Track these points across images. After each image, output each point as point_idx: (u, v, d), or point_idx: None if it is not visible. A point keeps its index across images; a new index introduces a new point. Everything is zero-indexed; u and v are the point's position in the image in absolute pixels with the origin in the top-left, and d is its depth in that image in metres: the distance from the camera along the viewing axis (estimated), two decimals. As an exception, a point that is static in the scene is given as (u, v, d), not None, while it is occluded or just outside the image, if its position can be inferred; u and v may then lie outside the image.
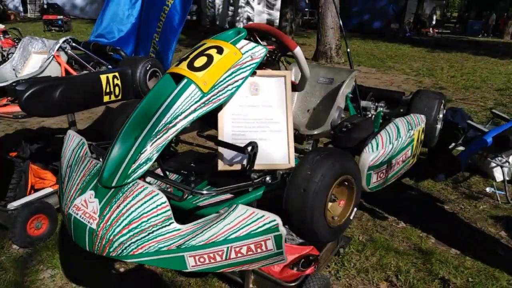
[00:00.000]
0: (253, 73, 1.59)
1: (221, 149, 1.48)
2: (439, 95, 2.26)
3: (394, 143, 1.71)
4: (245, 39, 1.74)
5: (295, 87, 1.85)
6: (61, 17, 14.38)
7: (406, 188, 3.61)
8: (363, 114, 2.27)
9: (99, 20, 3.25)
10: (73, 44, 2.94)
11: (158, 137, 1.23)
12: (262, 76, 1.58)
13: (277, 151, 1.49)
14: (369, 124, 1.89)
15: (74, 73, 2.84)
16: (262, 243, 1.10)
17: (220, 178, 1.52)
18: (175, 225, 1.13)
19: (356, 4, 19.89)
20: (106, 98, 2.49)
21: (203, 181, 1.56)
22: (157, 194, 1.14)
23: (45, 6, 18.34)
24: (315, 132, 2.00)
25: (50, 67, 2.79)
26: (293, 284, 1.91)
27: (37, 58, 2.93)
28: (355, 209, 1.47)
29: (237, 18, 18.78)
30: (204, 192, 1.27)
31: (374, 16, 19.80)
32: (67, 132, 1.56)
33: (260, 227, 1.09)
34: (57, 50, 2.82)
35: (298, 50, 1.69)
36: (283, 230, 1.09)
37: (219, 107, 1.50)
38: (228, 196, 1.46)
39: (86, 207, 1.16)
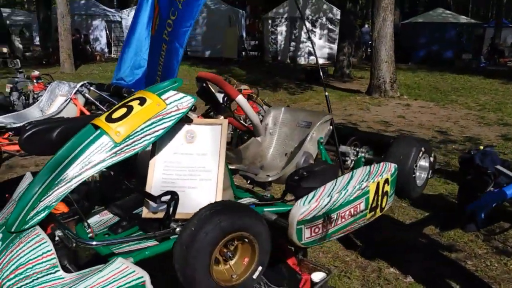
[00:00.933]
0: (190, 121, 1.61)
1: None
2: (419, 143, 2.05)
3: (334, 195, 1.58)
4: (203, 87, 1.77)
5: (253, 133, 1.82)
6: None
7: (426, 236, 3.25)
8: (342, 160, 2.14)
9: (118, 65, 3.55)
10: (91, 88, 3.22)
11: (60, 185, 1.29)
12: (199, 124, 1.59)
13: (204, 200, 1.46)
14: (328, 173, 1.77)
15: (88, 113, 3.10)
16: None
17: (151, 224, 1.52)
18: (60, 273, 1.16)
19: (424, 35, 19.12)
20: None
21: (134, 227, 1.57)
22: (45, 242, 1.18)
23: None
24: (269, 179, 1.92)
25: (67, 108, 3.06)
26: None
27: (61, 100, 3.25)
28: (260, 268, 1.36)
29: (298, 53, 19.11)
30: (93, 243, 1.29)
31: (443, 46, 18.81)
32: (26, 174, 1.70)
33: (128, 282, 1.07)
34: (75, 93, 3.12)
35: (239, 98, 1.68)
36: (148, 282, 1.06)
37: (152, 154, 1.53)
38: (148, 244, 1.46)
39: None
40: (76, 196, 1.60)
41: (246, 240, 1.32)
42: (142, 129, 1.40)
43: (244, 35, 24.75)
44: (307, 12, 18.73)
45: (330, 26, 18.79)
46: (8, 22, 20.46)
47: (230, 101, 1.85)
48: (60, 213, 1.56)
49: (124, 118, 1.40)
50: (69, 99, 3.09)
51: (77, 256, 1.33)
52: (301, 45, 19.03)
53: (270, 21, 19.52)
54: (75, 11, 23.09)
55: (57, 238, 1.33)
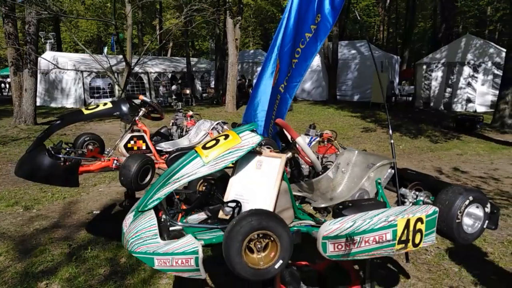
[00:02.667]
0: (261, 153, 2.20)
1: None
2: (467, 191, 2.12)
3: (357, 221, 1.88)
4: (279, 130, 2.36)
5: (314, 169, 2.29)
6: (286, 100, 17.48)
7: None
8: (401, 202, 2.36)
9: (246, 108, 4.41)
10: (224, 126, 4.15)
11: (167, 187, 2.01)
12: (266, 156, 2.17)
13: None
14: (371, 207, 2.07)
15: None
16: (188, 259, 1.70)
17: (225, 223, 2.12)
18: (158, 239, 1.86)
19: None
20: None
21: (215, 223, 2.18)
22: (153, 219, 1.91)
23: (281, 91, 22.52)
24: (321, 205, 2.30)
25: (205, 140, 4.04)
26: None
27: (203, 133, 4.29)
28: (281, 261, 1.78)
29: (455, 100, 17.70)
30: (179, 224, 1.96)
31: None
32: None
33: (188, 246, 1.71)
34: (211, 129, 4.09)
35: (298, 140, 2.18)
36: (201, 254, 1.66)
37: (232, 174, 2.18)
38: (217, 234, 2.05)
39: (126, 220, 2.05)
40: (182, 198, 2.37)
41: (272, 239, 1.80)
42: (223, 155, 2.05)
43: (397, 80, 24.27)
44: (469, 56, 17.36)
45: (496, 72, 16.91)
46: (193, 69, 25.13)
47: (293, 141, 2.35)
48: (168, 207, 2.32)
49: (212, 147, 2.09)
50: (206, 134, 4.08)
51: (171, 232, 2.02)
52: (458, 92, 17.60)
53: (424, 67, 18.76)
54: (244, 59, 26.87)
55: (162, 219, 2.07)
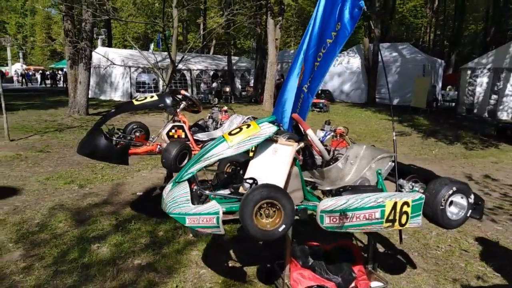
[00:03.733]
0: (276, 141, 2.64)
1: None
2: (452, 182, 2.42)
3: (350, 200, 2.25)
4: (294, 124, 2.78)
5: (322, 157, 2.70)
6: (323, 101, 17.68)
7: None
8: (399, 191, 2.70)
9: (276, 107, 4.82)
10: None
11: (198, 163, 2.48)
12: (280, 144, 2.60)
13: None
14: (365, 191, 2.43)
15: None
16: (211, 218, 2.19)
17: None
18: (189, 203, 2.34)
19: None
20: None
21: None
22: (186, 188, 2.39)
23: (319, 91, 22.63)
24: (327, 188, 2.69)
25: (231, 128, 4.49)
26: None
27: (235, 127, 4.75)
28: (284, 226, 2.19)
29: (500, 107, 17.10)
30: (207, 192, 2.45)
31: None
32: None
33: (209, 210, 2.20)
34: (242, 123, 4.55)
35: (308, 131, 2.58)
36: (221, 214, 2.14)
37: (252, 158, 2.63)
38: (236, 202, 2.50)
39: (166, 189, 2.56)
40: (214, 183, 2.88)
41: (278, 207, 2.22)
42: (245, 140, 2.49)
43: (440, 85, 23.66)
44: (516, 61, 16.73)
45: (546, 79, 16.19)
46: (234, 67, 25.85)
47: (305, 132, 2.74)
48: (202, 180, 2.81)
49: (236, 134, 2.53)
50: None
51: (201, 199, 2.50)
52: (504, 99, 16.98)
53: (469, 72, 18.23)
54: (284, 59, 27.25)
55: (194, 189, 2.54)
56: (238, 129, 2.59)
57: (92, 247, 3.91)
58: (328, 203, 2.30)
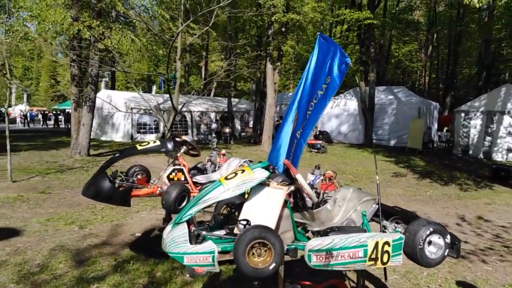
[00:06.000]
0: (269, 185, 2.86)
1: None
2: (429, 224, 2.62)
3: (335, 240, 2.44)
4: (285, 169, 3.02)
5: (311, 199, 2.91)
6: (320, 142, 18.04)
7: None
8: (383, 231, 2.89)
9: (271, 150, 5.08)
10: (250, 164, 4.84)
11: (197, 206, 2.68)
12: (272, 187, 2.83)
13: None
14: (351, 231, 2.62)
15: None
16: (207, 257, 2.37)
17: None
18: (188, 243, 2.53)
19: None
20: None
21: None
22: (185, 229, 2.58)
23: (317, 133, 23.09)
24: (315, 229, 2.87)
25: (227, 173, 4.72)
26: None
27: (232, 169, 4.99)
28: (274, 264, 2.36)
29: (495, 149, 17.45)
30: (203, 233, 2.63)
31: None
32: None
33: (208, 249, 2.37)
34: (239, 166, 4.80)
35: (297, 176, 2.82)
36: (216, 254, 2.32)
37: (246, 200, 2.85)
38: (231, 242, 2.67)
39: (166, 230, 2.75)
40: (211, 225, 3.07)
41: (269, 247, 2.40)
42: (239, 184, 2.72)
43: (436, 127, 24.16)
44: (509, 106, 17.28)
45: (538, 122, 16.64)
46: (234, 109, 26.51)
47: (294, 177, 2.97)
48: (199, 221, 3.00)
49: (232, 178, 2.76)
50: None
51: (198, 240, 2.68)
52: (498, 141, 17.37)
53: (463, 114, 18.77)
54: (283, 101, 27.99)
55: (192, 230, 2.72)
56: (233, 174, 2.83)
57: (91, 287, 4.01)
58: (315, 242, 2.49)
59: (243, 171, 2.84)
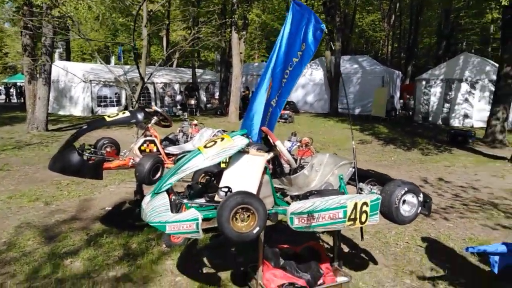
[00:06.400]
0: (248, 152, 2.84)
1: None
2: (404, 184, 2.75)
3: (316, 203, 2.50)
4: (263, 136, 3.01)
5: (290, 165, 2.93)
6: (287, 112, 18.14)
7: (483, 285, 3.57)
8: (359, 193, 2.99)
9: (243, 120, 5.03)
10: (223, 133, 4.78)
11: (176, 175, 2.63)
12: (252, 154, 2.81)
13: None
14: (331, 194, 2.69)
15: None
16: (191, 224, 2.35)
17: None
18: (169, 212, 2.49)
19: None
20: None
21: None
22: (164, 197, 2.53)
23: (284, 103, 23.10)
24: (295, 194, 2.93)
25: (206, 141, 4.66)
26: None
27: (205, 140, 4.92)
28: (258, 228, 2.40)
29: (452, 115, 18.30)
30: (184, 201, 2.60)
31: None
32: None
33: (189, 217, 2.36)
34: (212, 136, 4.73)
35: (277, 143, 2.82)
36: (200, 220, 2.32)
37: (226, 168, 2.82)
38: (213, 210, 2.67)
39: (145, 200, 2.69)
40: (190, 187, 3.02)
41: (252, 212, 2.41)
42: (218, 152, 2.67)
43: (398, 95, 24.90)
44: (466, 73, 18.03)
45: (492, 88, 17.43)
46: (198, 80, 25.96)
47: (274, 144, 2.97)
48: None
49: (211, 147, 2.71)
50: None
51: (178, 209, 2.65)
52: (456, 107, 18.21)
53: (424, 82, 19.42)
54: (249, 72, 27.71)
55: (172, 199, 2.67)
56: (212, 142, 2.78)
57: (64, 262, 3.91)
58: (297, 205, 2.53)
59: (222, 139, 2.79)
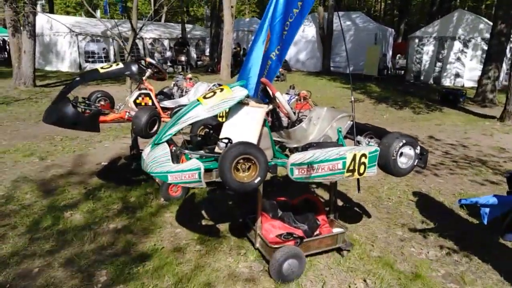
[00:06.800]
0: (248, 104, 2.83)
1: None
2: (402, 136, 2.81)
3: (316, 154, 2.55)
4: (263, 88, 2.97)
5: (289, 118, 2.94)
6: (279, 69, 17.90)
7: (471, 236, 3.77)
8: (357, 145, 3.04)
9: (240, 73, 4.95)
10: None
11: (176, 126, 2.62)
12: (252, 106, 2.80)
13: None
14: (329, 146, 2.73)
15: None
16: (193, 174, 2.39)
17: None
18: (170, 162, 2.51)
19: None
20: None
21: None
22: (165, 148, 2.54)
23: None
24: (294, 145, 2.97)
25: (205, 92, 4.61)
26: (274, 246, 2.94)
27: (200, 93, 4.86)
28: (259, 178, 2.44)
29: (444, 74, 18.29)
30: (185, 151, 2.63)
31: None
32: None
33: (192, 166, 2.38)
34: (207, 90, 4.68)
35: (277, 94, 2.80)
36: (202, 170, 2.35)
37: (226, 119, 2.82)
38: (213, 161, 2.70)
39: (145, 150, 2.70)
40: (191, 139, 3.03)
41: (253, 162, 2.45)
42: (218, 103, 2.65)
43: (390, 53, 24.63)
44: (460, 31, 17.82)
45: (485, 47, 17.34)
46: (188, 36, 25.19)
47: (273, 95, 2.96)
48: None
49: (211, 97, 2.69)
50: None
51: (178, 160, 2.68)
52: (448, 66, 18.16)
53: (416, 40, 19.19)
54: (240, 28, 26.94)
55: (172, 150, 2.69)
56: (212, 93, 2.75)
57: (65, 214, 3.97)
58: (297, 156, 2.56)
59: (221, 90, 2.76)
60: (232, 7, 17.52)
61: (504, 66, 14.19)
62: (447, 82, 18.00)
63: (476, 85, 14.09)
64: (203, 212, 4.14)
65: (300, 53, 24.35)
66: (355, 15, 24.69)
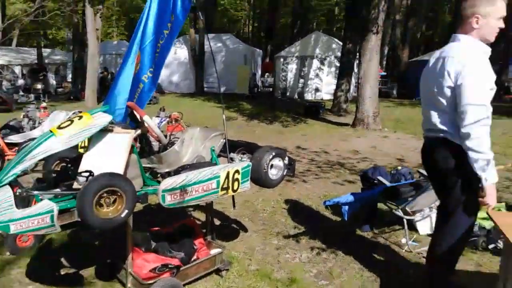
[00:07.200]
0: (112, 131, 2.62)
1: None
2: (271, 149, 3.01)
3: (189, 176, 2.52)
4: (130, 112, 2.80)
5: (160, 142, 2.82)
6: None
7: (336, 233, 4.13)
8: (230, 163, 3.10)
9: (107, 97, 4.62)
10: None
11: (21, 164, 2.28)
12: (117, 132, 2.61)
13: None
14: (203, 167, 2.72)
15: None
16: (44, 217, 2.08)
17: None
18: (14, 209, 2.15)
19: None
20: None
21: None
22: (9, 192, 2.18)
23: (148, 84, 22.09)
24: (166, 170, 2.89)
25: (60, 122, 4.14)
26: (148, 282, 2.73)
27: (59, 124, 4.37)
28: (126, 211, 2.29)
29: (306, 90, 20.24)
30: (34, 192, 2.31)
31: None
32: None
33: (45, 209, 2.08)
34: (66, 119, 4.23)
35: (145, 117, 2.69)
36: (56, 212, 2.06)
37: (86, 150, 2.55)
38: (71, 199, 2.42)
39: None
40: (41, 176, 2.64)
41: (119, 194, 2.26)
42: (76, 133, 2.39)
43: (259, 72, 26.27)
44: (317, 51, 20.04)
45: (337, 64, 19.80)
46: (46, 61, 22.78)
47: (141, 119, 2.83)
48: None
49: (67, 127, 2.40)
50: (62, 123, 4.21)
51: (26, 203, 2.30)
52: (309, 82, 20.18)
53: (282, 59, 20.91)
54: (107, 51, 25.50)
55: (17, 193, 2.30)
56: (68, 122, 2.47)
57: None
58: (169, 181, 2.46)
59: (80, 117, 2.50)
60: (97, 29, 16.51)
61: (353, 80, 16.35)
62: (309, 96, 19.97)
63: (332, 98, 15.94)
64: (62, 259, 3.59)
65: (173, 75, 24.19)
66: (225, 37, 25.68)
